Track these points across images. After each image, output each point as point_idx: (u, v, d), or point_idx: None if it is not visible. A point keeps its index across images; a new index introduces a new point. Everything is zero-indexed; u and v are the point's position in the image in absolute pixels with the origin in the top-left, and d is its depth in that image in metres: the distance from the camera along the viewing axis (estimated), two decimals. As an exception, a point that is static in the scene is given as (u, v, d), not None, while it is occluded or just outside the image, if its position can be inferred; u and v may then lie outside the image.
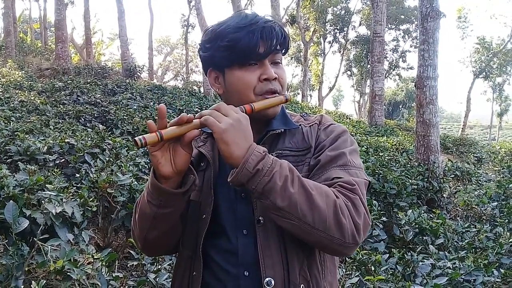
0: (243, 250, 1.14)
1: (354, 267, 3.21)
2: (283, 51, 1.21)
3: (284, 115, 1.26)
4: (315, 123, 1.26)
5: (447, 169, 7.54)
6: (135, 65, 20.08)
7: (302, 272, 1.11)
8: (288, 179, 1.01)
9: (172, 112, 12.42)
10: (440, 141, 8.05)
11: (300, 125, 1.25)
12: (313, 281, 1.12)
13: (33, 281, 2.51)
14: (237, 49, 1.13)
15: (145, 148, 1.39)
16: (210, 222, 1.16)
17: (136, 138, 1.01)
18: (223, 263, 1.16)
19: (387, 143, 11.59)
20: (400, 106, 48.87)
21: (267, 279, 1.08)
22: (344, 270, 3.21)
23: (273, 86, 1.18)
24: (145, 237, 1.20)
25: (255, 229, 1.13)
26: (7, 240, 2.45)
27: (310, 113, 1.34)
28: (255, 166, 1.00)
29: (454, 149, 14.26)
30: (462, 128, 31.69)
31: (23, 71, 15.61)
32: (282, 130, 1.21)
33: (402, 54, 38.51)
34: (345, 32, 38.00)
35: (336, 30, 38.04)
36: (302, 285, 1.10)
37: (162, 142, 1.05)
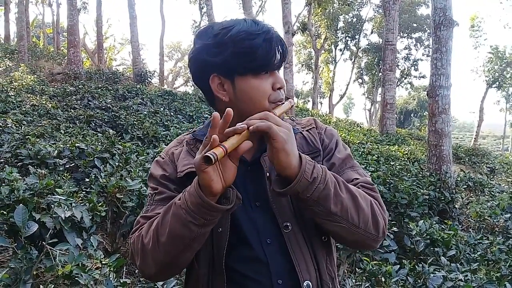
0: (272, 258, 1.12)
1: (364, 278, 3.16)
2: None
3: None
4: (313, 127, 1.29)
5: (459, 179, 7.44)
6: (146, 70, 20.10)
7: (327, 270, 1.16)
8: (337, 185, 1.06)
9: (182, 118, 12.45)
10: (453, 151, 7.96)
11: (297, 129, 1.27)
12: (333, 276, 1.18)
13: (41, 285, 2.51)
14: (256, 56, 1.11)
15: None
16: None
17: (208, 154, 0.92)
18: (252, 274, 1.12)
19: (398, 152, 11.46)
20: (412, 115, 48.67)
21: (305, 282, 1.10)
22: (354, 281, 3.16)
23: (282, 94, 1.19)
24: (170, 261, 1.09)
25: (279, 236, 1.13)
26: (16, 244, 2.45)
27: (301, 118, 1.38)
28: (311, 175, 1.02)
29: (467, 159, 14.10)
30: (474, 138, 31.38)
31: (35, 75, 15.77)
32: None
33: (414, 63, 38.45)
34: (357, 40, 38.04)
35: (347, 38, 38.09)
36: (329, 282, 1.15)
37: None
